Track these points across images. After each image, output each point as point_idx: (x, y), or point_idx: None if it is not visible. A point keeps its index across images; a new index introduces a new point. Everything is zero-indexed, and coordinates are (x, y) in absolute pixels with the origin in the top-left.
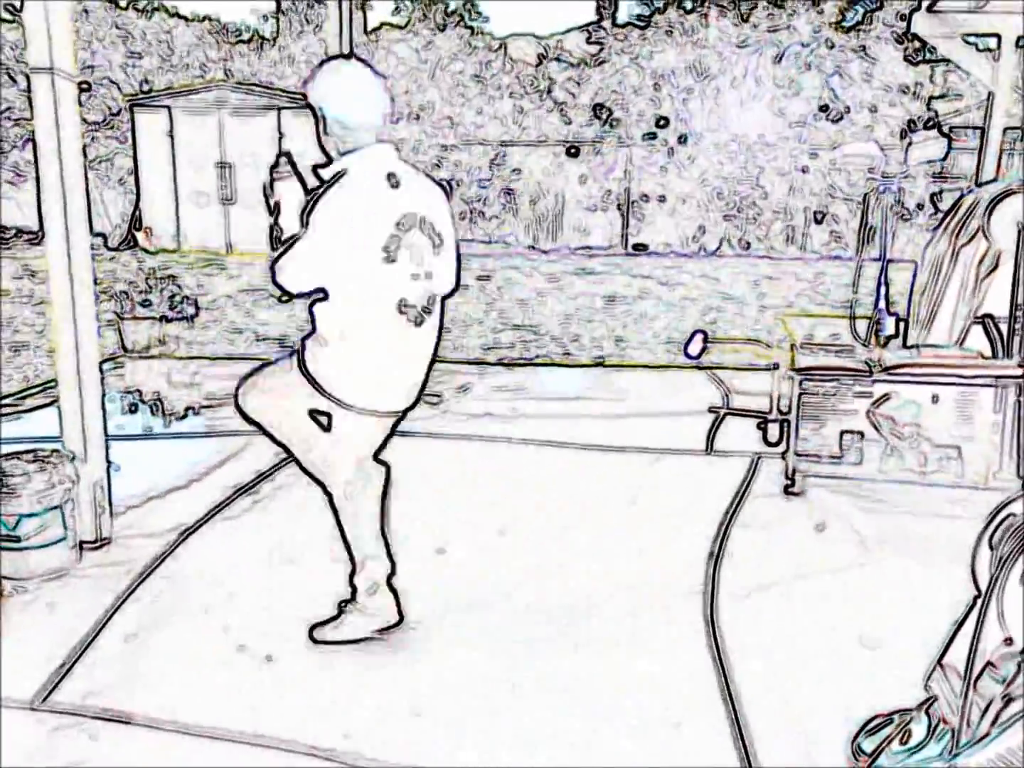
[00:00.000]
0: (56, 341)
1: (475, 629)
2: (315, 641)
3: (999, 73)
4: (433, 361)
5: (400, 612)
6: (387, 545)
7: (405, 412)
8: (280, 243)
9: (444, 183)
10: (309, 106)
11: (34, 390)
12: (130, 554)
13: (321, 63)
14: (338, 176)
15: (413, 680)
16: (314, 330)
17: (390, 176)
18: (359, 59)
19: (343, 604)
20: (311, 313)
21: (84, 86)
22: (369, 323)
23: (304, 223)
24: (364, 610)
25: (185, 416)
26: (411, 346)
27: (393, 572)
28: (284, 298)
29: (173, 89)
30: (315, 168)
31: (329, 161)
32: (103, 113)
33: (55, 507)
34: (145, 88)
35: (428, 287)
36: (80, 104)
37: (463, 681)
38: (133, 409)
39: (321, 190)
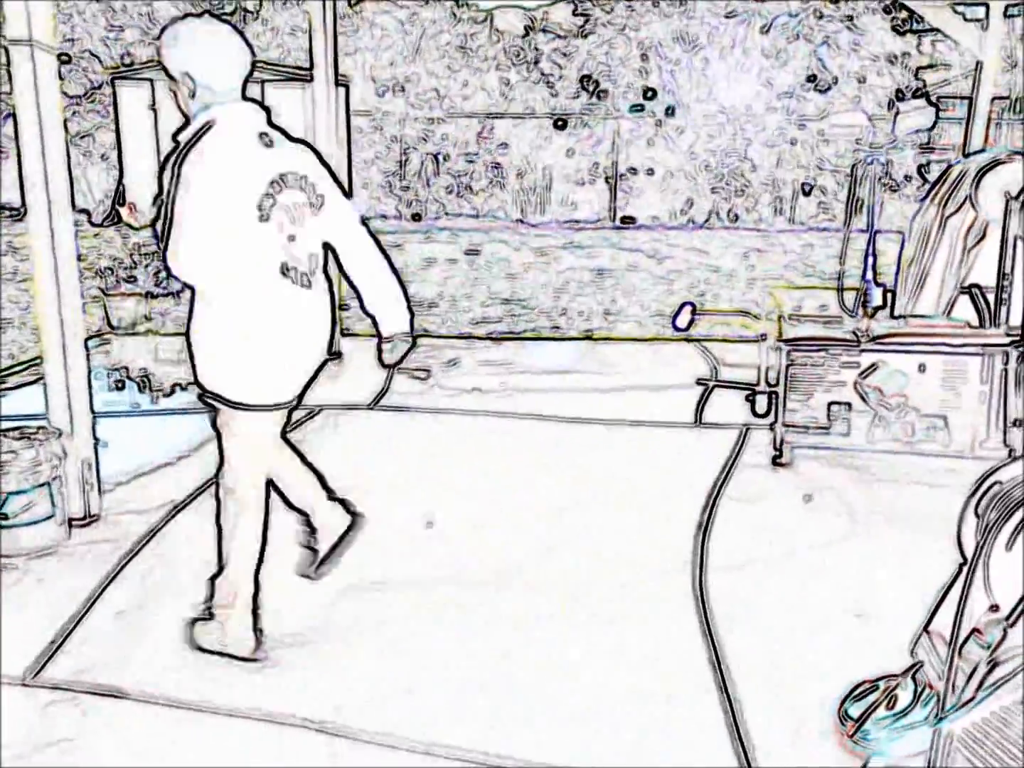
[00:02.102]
0: (40, 318)
1: (464, 603)
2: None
3: (987, 42)
4: (334, 327)
5: (258, 643)
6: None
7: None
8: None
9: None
10: (167, 73)
11: (19, 367)
12: (119, 530)
13: (171, 25)
14: (203, 131)
15: (405, 654)
16: (192, 309)
17: (262, 135)
18: (213, 15)
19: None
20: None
21: (64, 58)
22: (252, 294)
23: (172, 189)
24: (227, 636)
25: (172, 392)
26: (301, 312)
27: (256, 607)
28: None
29: (156, 62)
30: (175, 134)
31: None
32: (84, 87)
33: (43, 484)
34: (127, 61)
35: (310, 247)
36: (61, 77)
37: (453, 656)
38: (120, 386)
39: (182, 148)
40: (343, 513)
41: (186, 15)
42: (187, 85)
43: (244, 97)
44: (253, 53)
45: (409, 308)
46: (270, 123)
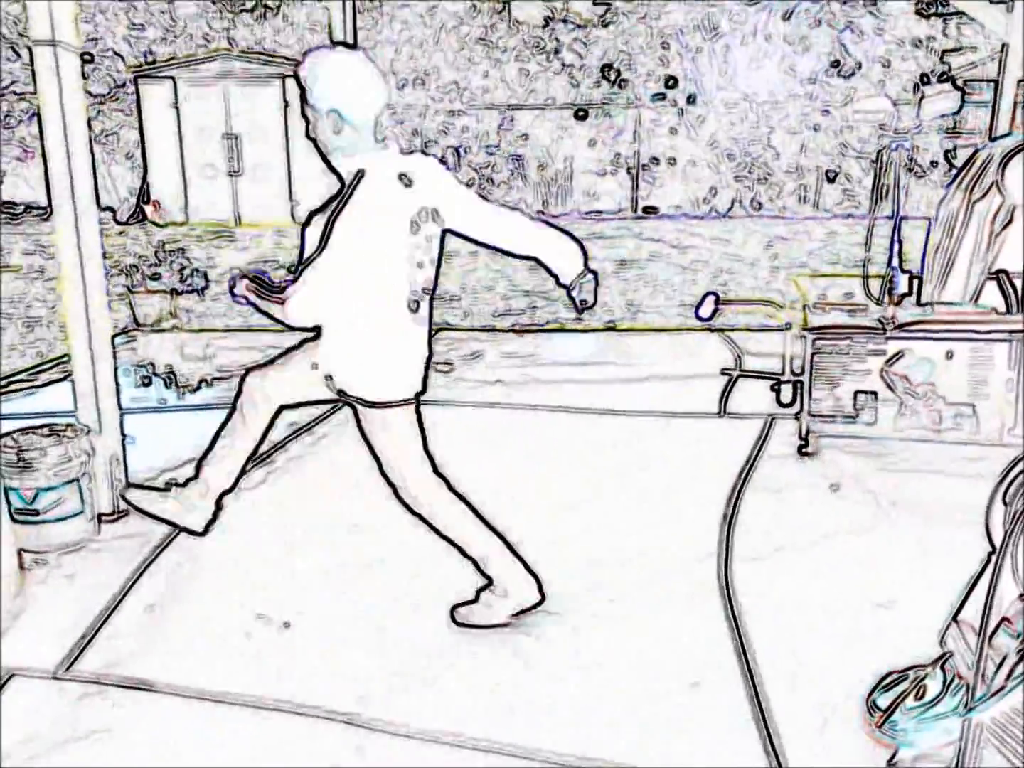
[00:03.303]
0: (67, 316)
1: None
2: (457, 623)
3: (1013, 24)
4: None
5: (541, 592)
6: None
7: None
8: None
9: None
10: (307, 106)
11: (47, 365)
12: (147, 526)
13: (315, 51)
14: (358, 180)
15: (428, 645)
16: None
17: (402, 176)
18: (349, 46)
19: (480, 590)
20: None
21: (87, 57)
22: (379, 320)
23: (325, 238)
24: (498, 593)
25: (198, 388)
26: (411, 333)
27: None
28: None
29: (177, 60)
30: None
31: (322, 155)
32: (108, 86)
33: (72, 480)
34: (149, 59)
35: (428, 273)
36: (84, 76)
37: (476, 646)
38: (147, 382)
39: (342, 196)
40: (532, 587)
41: (321, 47)
42: (333, 121)
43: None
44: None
45: (579, 245)
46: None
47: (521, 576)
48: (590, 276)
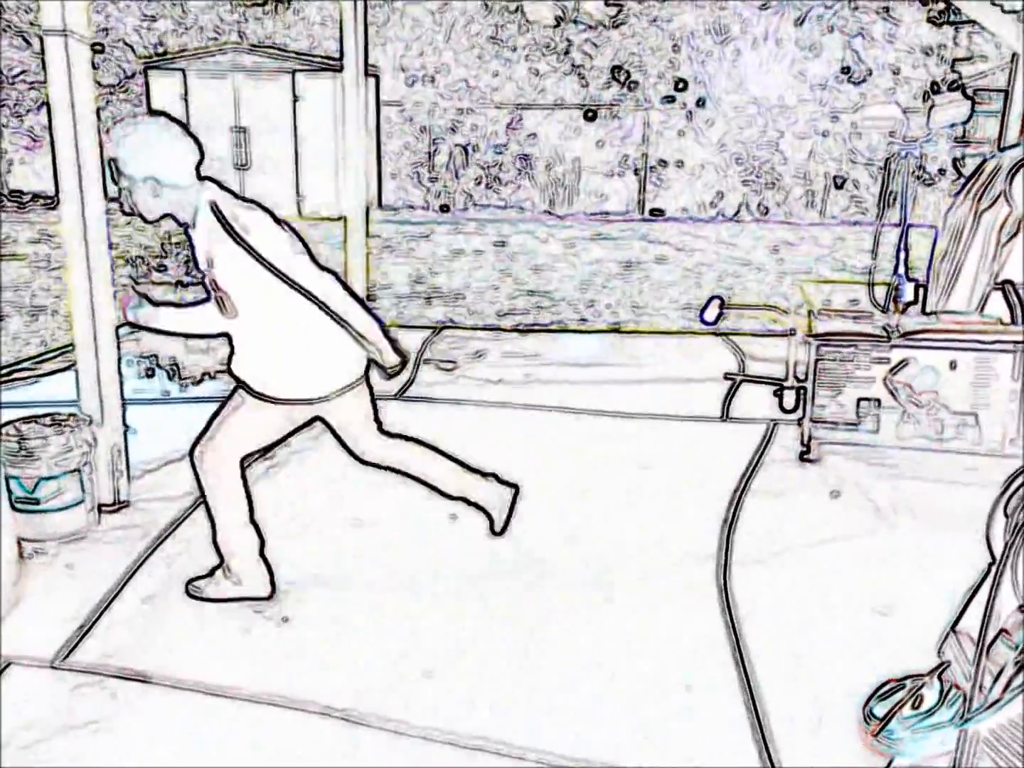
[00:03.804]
0: (72, 306)
1: (488, 593)
2: (190, 595)
3: None
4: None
5: (272, 584)
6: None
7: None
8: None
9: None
10: (111, 164)
11: (51, 354)
12: (147, 517)
13: (118, 125)
14: (216, 209)
15: (426, 641)
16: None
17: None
18: (159, 113)
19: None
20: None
21: (97, 47)
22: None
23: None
24: (232, 578)
25: (201, 381)
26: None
27: (263, 544)
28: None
29: (187, 52)
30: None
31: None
32: (118, 76)
33: (73, 470)
34: (159, 51)
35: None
36: (94, 67)
37: (476, 643)
38: (150, 374)
39: (227, 226)
40: (499, 487)
41: (131, 116)
42: (151, 187)
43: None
44: (199, 143)
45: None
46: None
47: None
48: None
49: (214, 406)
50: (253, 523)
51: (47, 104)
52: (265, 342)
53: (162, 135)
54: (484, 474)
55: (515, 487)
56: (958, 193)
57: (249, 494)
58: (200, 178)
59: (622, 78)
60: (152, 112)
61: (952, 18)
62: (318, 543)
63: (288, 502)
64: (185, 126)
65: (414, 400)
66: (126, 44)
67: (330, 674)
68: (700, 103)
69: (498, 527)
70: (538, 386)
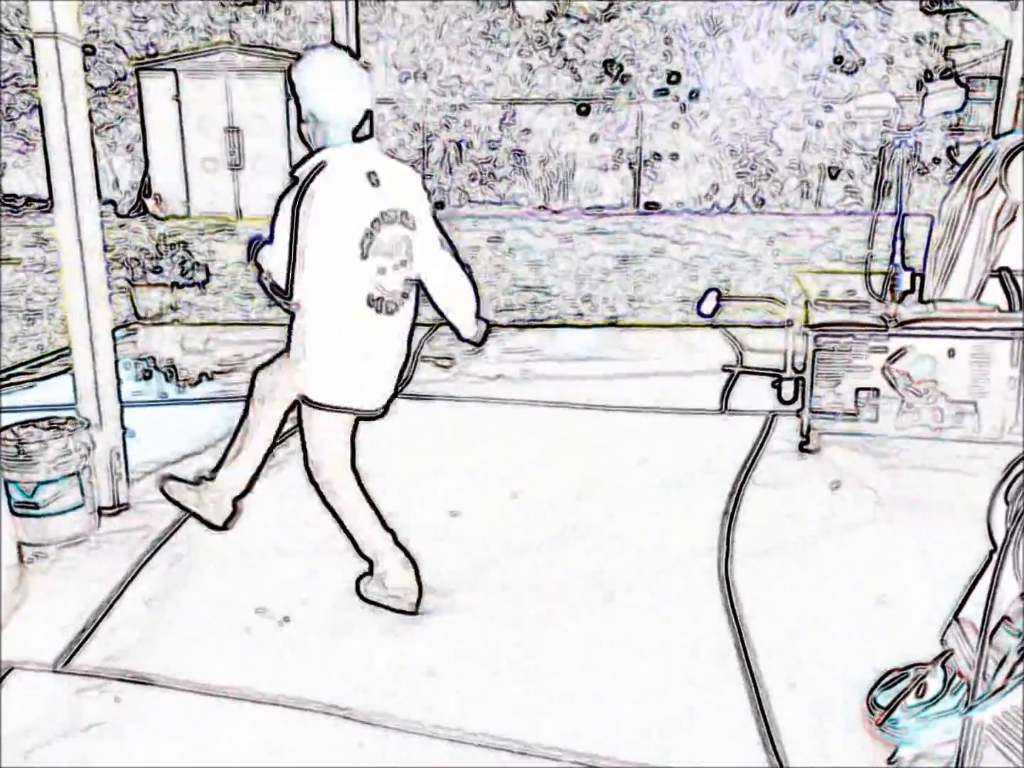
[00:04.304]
0: (68, 308)
1: (490, 590)
2: (361, 598)
3: (1017, 21)
4: (410, 347)
5: (420, 585)
6: (390, 531)
7: (386, 408)
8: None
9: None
10: (294, 94)
11: (48, 358)
12: (147, 519)
13: (300, 58)
14: (316, 172)
15: (428, 641)
16: (291, 329)
17: (370, 175)
18: (341, 48)
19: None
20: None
21: (88, 49)
22: (340, 319)
23: (293, 224)
24: (387, 589)
25: (199, 382)
26: (381, 337)
27: (412, 561)
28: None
29: (179, 52)
30: (292, 170)
31: (309, 155)
32: (109, 78)
33: (72, 474)
34: (151, 52)
35: (404, 274)
36: (85, 69)
37: (478, 641)
38: (147, 376)
39: (299, 188)
40: (412, 585)
41: (312, 47)
42: (311, 121)
43: (356, 138)
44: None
45: (479, 314)
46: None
47: (407, 581)
48: (483, 325)
49: (212, 407)
50: (385, 527)
51: (39, 107)
52: (328, 336)
53: (333, 72)
54: (408, 557)
55: (419, 591)
56: (953, 181)
57: (370, 499)
58: (358, 138)
59: (615, 72)
60: (340, 47)
61: (944, 6)
62: (317, 542)
63: (288, 501)
64: (362, 69)
65: (412, 398)
66: (117, 46)
67: (332, 673)
68: (693, 95)
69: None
70: (536, 382)
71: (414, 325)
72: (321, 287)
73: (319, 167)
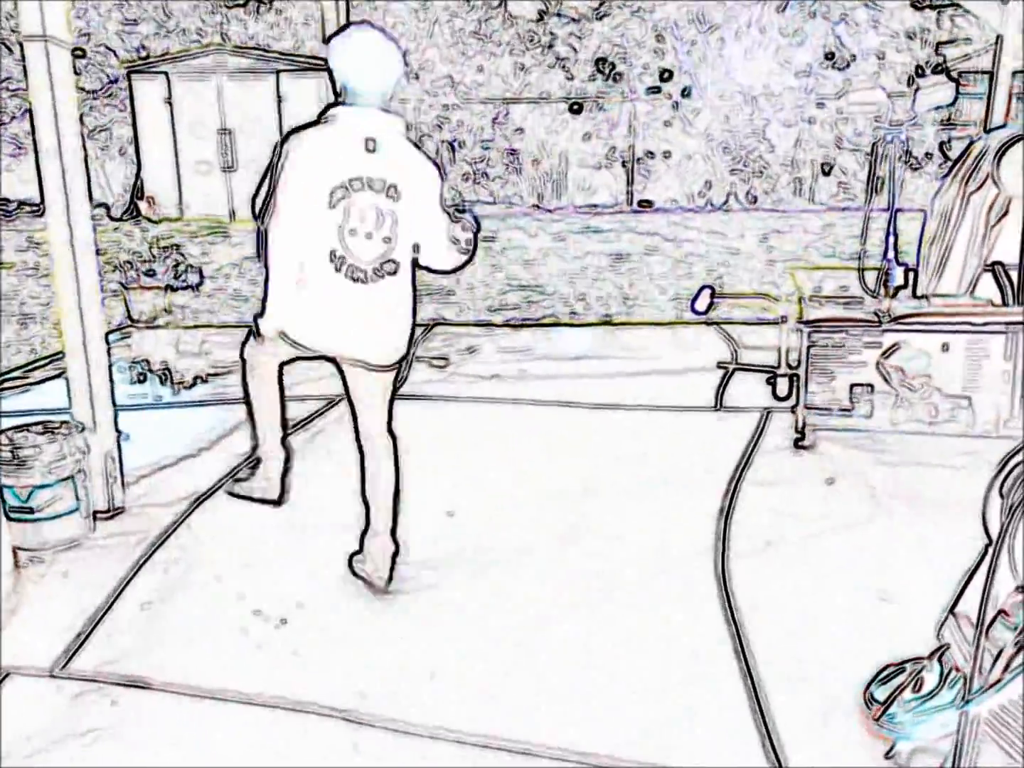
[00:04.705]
0: (61, 312)
1: (487, 590)
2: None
3: (1008, 15)
4: (406, 324)
5: (282, 494)
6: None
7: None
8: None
9: (437, 158)
10: (329, 70)
11: (42, 362)
12: (143, 523)
13: (339, 30)
14: (317, 121)
15: (428, 642)
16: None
17: (369, 140)
18: (373, 26)
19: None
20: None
21: (78, 53)
22: (304, 261)
23: (275, 160)
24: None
25: (194, 385)
26: (341, 295)
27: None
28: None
29: (170, 55)
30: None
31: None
32: (101, 81)
33: (67, 478)
34: (142, 55)
35: (383, 250)
36: (77, 72)
37: (477, 642)
38: (142, 379)
39: (294, 129)
40: (388, 544)
41: (348, 24)
42: (343, 92)
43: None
44: (405, 63)
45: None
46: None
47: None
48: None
49: (207, 410)
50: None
51: (30, 111)
52: (286, 276)
53: (362, 47)
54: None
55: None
56: (946, 176)
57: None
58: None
59: (607, 70)
60: (363, 23)
61: (934, 2)
62: (313, 543)
63: (284, 505)
64: (393, 46)
65: (407, 398)
66: (108, 48)
67: (330, 675)
68: (685, 93)
69: (372, 575)
70: (531, 381)
71: (401, 313)
72: (289, 230)
73: (322, 118)
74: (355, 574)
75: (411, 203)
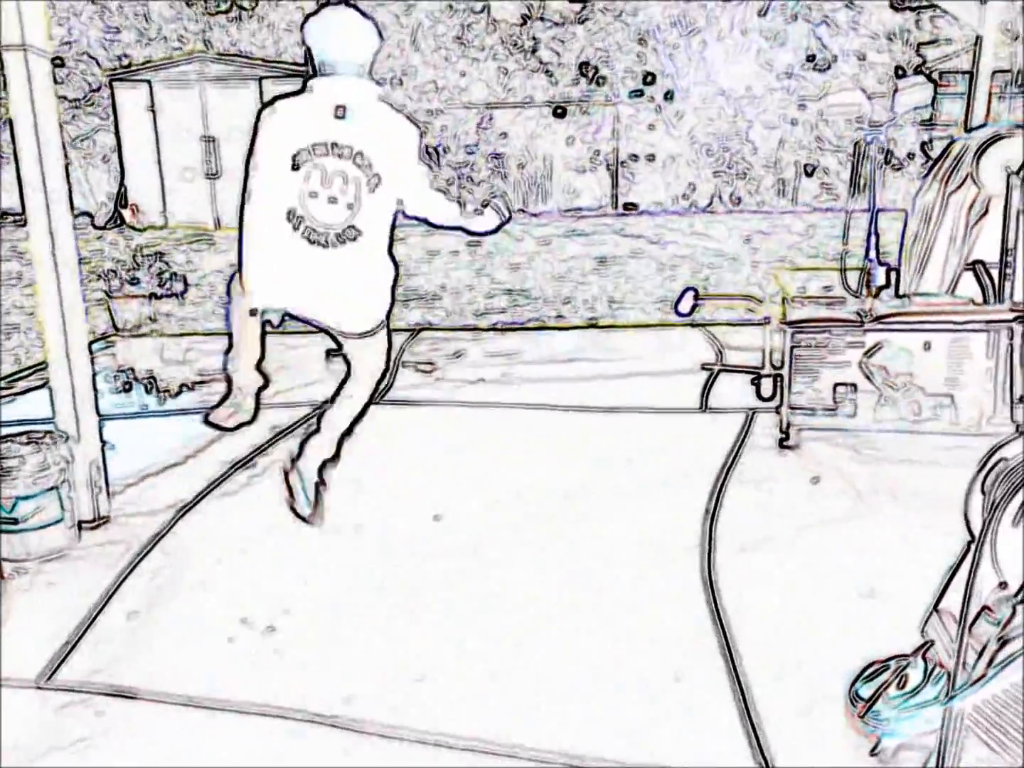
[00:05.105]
0: (43, 322)
1: (474, 594)
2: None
3: (986, 16)
4: (377, 291)
5: (255, 415)
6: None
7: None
8: None
9: (419, 125)
10: (307, 50)
11: (25, 372)
12: (129, 532)
13: (315, 10)
14: (293, 92)
15: (415, 646)
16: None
17: (338, 108)
18: (348, 4)
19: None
20: None
21: (57, 62)
22: (265, 220)
23: (254, 126)
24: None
25: (179, 393)
26: (297, 256)
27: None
28: None
29: (153, 63)
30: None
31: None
32: (83, 90)
33: (51, 488)
34: (124, 63)
35: (345, 215)
36: (58, 81)
37: (466, 645)
38: (127, 388)
39: (270, 100)
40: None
41: (323, 4)
42: (318, 63)
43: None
44: (381, 37)
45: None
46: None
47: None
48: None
49: (192, 418)
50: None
51: (10, 121)
52: (250, 233)
53: (334, 22)
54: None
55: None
56: (926, 176)
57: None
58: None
59: (590, 74)
60: (339, 3)
61: (914, 2)
62: (300, 550)
63: (269, 510)
64: (371, 19)
65: (394, 403)
66: (90, 57)
67: (318, 681)
68: (668, 96)
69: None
70: (517, 384)
71: (390, 292)
72: (257, 194)
73: (301, 90)
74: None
75: (385, 165)
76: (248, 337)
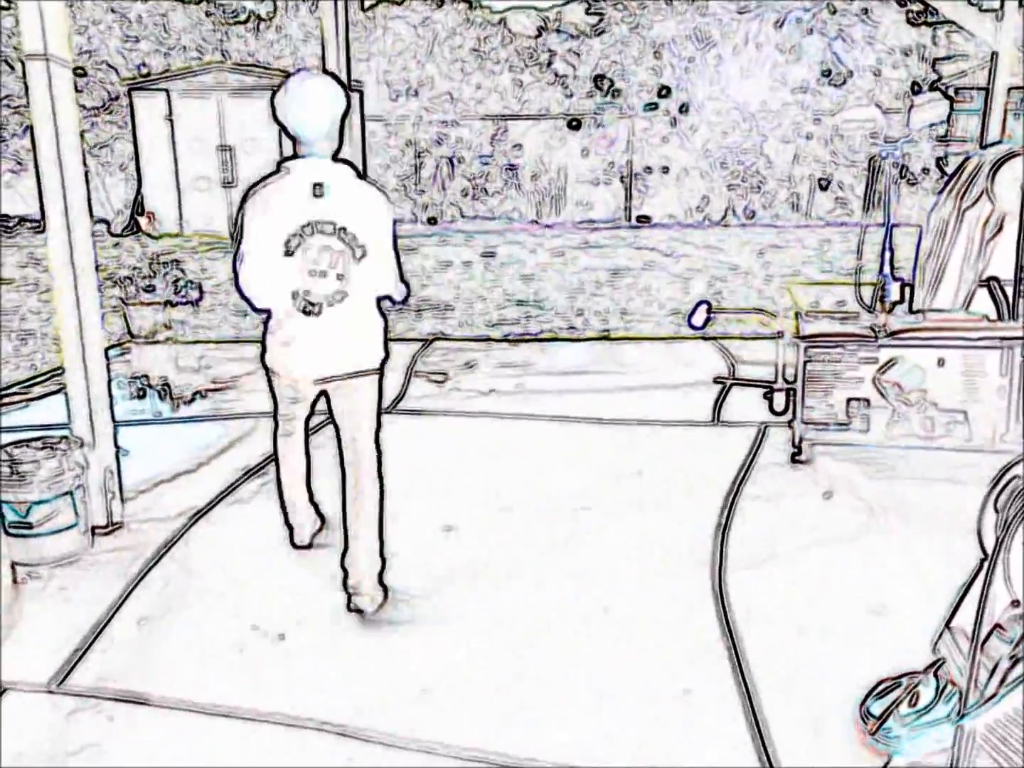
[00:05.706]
0: (60, 328)
1: (484, 605)
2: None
3: (1002, 33)
4: (373, 332)
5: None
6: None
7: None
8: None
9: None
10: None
11: (41, 378)
12: (141, 538)
13: (283, 82)
14: (269, 176)
15: (423, 657)
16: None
17: (316, 186)
18: (326, 73)
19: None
20: None
21: (79, 71)
22: (274, 304)
23: (239, 219)
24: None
25: (193, 400)
26: (303, 332)
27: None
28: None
29: (171, 72)
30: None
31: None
32: (102, 99)
33: (65, 493)
34: (143, 72)
35: (336, 287)
36: (77, 90)
37: (473, 657)
38: (141, 394)
39: (250, 189)
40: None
41: (289, 73)
42: (293, 137)
43: (335, 155)
44: (349, 103)
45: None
46: (362, 177)
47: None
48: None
49: (206, 426)
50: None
51: (31, 128)
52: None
53: (301, 92)
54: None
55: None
56: (941, 192)
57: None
58: (336, 159)
59: (605, 86)
60: (300, 71)
61: (930, 18)
62: (310, 559)
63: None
64: (343, 86)
65: (406, 413)
66: (110, 66)
67: (326, 690)
68: (683, 109)
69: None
70: (529, 396)
71: (384, 333)
72: (259, 278)
73: (273, 173)
74: (351, 609)
75: (370, 237)
76: (295, 438)
